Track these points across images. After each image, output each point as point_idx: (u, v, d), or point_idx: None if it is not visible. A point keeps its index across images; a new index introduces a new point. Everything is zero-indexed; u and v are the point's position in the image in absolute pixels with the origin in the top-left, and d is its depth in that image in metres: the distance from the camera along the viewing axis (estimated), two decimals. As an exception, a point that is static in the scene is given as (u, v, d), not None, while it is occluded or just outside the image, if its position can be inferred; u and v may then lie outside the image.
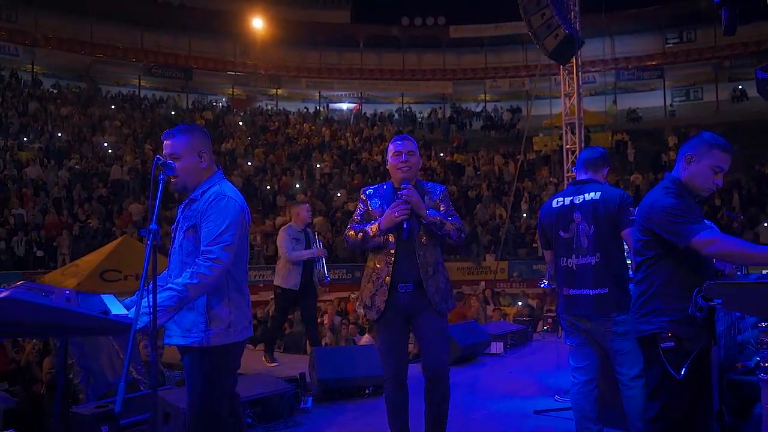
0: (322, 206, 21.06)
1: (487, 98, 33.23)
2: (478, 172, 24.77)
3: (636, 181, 21.70)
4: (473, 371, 5.70)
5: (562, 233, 3.20)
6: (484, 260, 19.47)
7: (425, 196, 3.10)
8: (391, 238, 3.02)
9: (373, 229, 3.02)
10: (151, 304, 2.07)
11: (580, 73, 9.80)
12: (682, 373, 2.27)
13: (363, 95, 33.54)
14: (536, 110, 30.13)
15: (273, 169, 23.59)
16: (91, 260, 9.74)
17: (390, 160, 3.16)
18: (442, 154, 26.48)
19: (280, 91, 32.97)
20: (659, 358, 2.37)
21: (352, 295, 12.56)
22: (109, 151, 21.87)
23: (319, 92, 33.08)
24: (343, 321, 9.73)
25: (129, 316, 2.24)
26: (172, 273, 2.53)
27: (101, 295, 2.34)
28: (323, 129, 28.37)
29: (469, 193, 22.58)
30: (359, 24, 32.84)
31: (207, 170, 2.59)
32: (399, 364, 3.08)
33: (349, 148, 26.55)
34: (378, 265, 3.06)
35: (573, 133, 9.97)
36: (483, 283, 15.12)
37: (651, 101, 29.86)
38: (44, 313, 1.89)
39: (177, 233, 2.56)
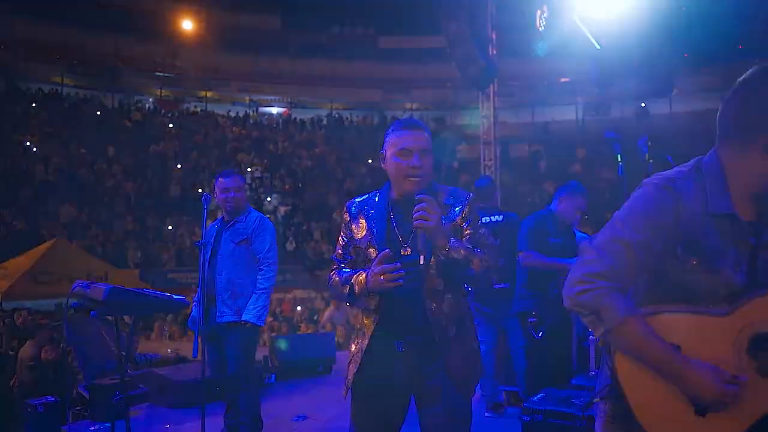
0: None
1: (414, 107, 34.62)
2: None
3: (549, 188, 23.57)
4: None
5: None
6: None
7: (444, 215, 2.07)
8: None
9: (359, 283, 2.04)
10: (260, 305, 3.31)
11: (496, 97, 11.09)
12: (540, 335, 3.41)
13: (293, 100, 34.14)
14: (460, 120, 31.92)
15: (203, 173, 23.85)
16: (21, 262, 9.97)
17: (391, 159, 2.11)
18: (370, 161, 27.53)
19: (209, 94, 33.02)
20: (527, 327, 3.52)
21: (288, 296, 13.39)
22: (34, 149, 21.52)
23: (249, 96, 33.36)
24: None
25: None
26: (223, 271, 3.50)
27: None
28: (253, 133, 28.79)
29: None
30: (290, 30, 33.41)
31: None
32: None
33: (279, 152, 27.11)
34: (365, 320, 2.14)
35: (489, 150, 11.27)
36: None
37: (564, 115, 32.15)
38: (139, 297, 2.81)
39: (223, 242, 3.47)
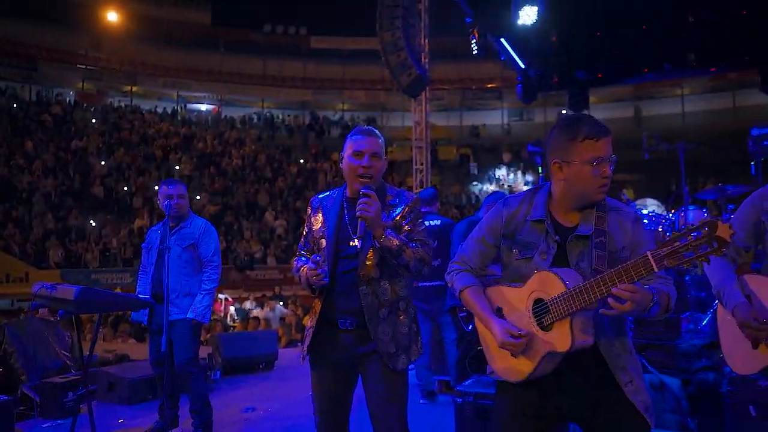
0: (183, 209, 21.30)
1: (345, 108, 34.92)
2: (336, 178, 26.27)
3: (475, 191, 24.49)
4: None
5: None
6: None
7: (387, 212, 2.39)
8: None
9: (302, 274, 2.36)
10: (205, 304, 3.55)
11: (427, 105, 11.60)
12: (470, 327, 3.83)
13: (223, 98, 33.67)
14: (391, 121, 32.51)
15: (129, 170, 23.20)
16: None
17: (347, 158, 2.42)
18: (302, 161, 27.62)
19: (134, 89, 32.06)
20: (459, 320, 3.94)
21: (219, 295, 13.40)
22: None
23: (177, 92, 32.63)
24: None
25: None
26: (171, 273, 3.71)
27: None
28: (181, 130, 28.21)
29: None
30: (221, 27, 32.94)
31: None
32: (331, 421, 2.47)
33: (208, 150, 26.69)
34: (314, 303, 2.46)
35: (421, 154, 11.75)
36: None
37: (491, 119, 33.36)
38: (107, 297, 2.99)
39: (173, 247, 3.68)
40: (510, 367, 1.86)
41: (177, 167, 24.35)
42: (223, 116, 32.58)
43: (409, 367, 2.44)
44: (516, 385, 1.88)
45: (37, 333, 4.98)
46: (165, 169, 23.92)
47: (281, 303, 13.88)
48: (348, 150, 2.40)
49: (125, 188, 21.87)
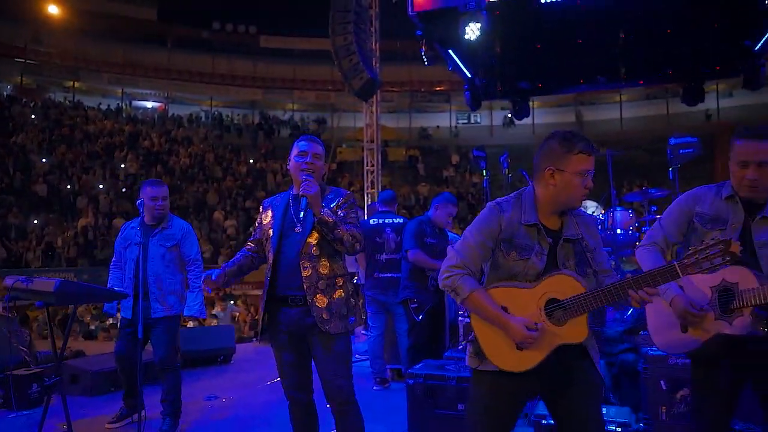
0: (129, 208, 20.94)
1: (295, 108, 34.91)
2: (286, 178, 26.30)
3: (423, 191, 24.97)
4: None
5: (377, 239, 5.03)
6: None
7: (324, 202, 2.82)
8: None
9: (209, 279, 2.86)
10: (199, 301, 3.89)
11: (378, 109, 11.93)
12: (420, 318, 4.20)
13: (169, 95, 33.11)
14: (341, 122, 32.70)
15: (72, 168, 22.62)
16: None
17: (293, 159, 2.86)
18: (251, 161, 27.50)
19: (77, 84, 31.16)
20: (410, 311, 4.29)
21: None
22: None
23: (122, 89, 31.91)
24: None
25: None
26: (155, 272, 3.93)
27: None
28: (126, 127, 27.62)
29: (278, 199, 23.98)
30: (168, 23, 32.39)
31: None
32: (295, 385, 2.84)
33: (155, 149, 26.25)
34: (267, 274, 2.82)
35: (372, 155, 12.08)
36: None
37: (439, 122, 34.02)
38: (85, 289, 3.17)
39: (151, 246, 3.90)
40: (518, 360, 2.05)
41: (122, 165, 23.89)
42: (170, 114, 32.05)
43: (363, 348, 2.77)
44: (500, 372, 2.10)
45: (-4, 330, 5.04)
46: (110, 168, 23.43)
47: (232, 302, 13.96)
48: (294, 152, 2.88)
49: (68, 186, 21.33)
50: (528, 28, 6.31)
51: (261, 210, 2.96)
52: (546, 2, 5.63)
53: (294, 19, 32.00)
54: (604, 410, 3.33)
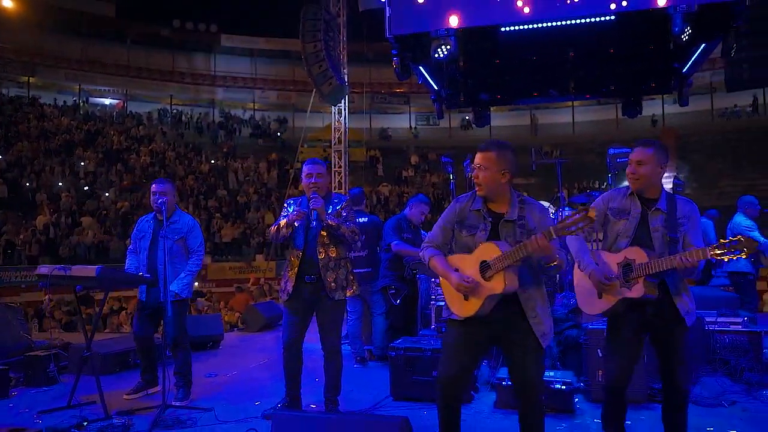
0: (91, 206, 20.92)
1: (256, 107, 35.08)
2: (247, 177, 26.54)
3: (383, 191, 25.63)
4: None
5: None
6: (254, 260, 21.31)
7: (331, 206, 3.89)
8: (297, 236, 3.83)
9: (282, 222, 3.84)
10: (186, 282, 4.33)
11: (346, 112, 12.53)
12: (398, 302, 4.89)
13: (128, 92, 32.84)
14: (301, 122, 33.04)
15: (31, 165, 22.37)
16: None
17: (304, 180, 3.90)
18: (213, 161, 27.59)
19: (33, 80, 30.60)
20: (389, 297, 4.97)
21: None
22: None
23: (80, 85, 31.50)
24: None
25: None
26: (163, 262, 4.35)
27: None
28: (85, 125, 27.33)
29: (239, 198, 24.26)
30: (128, 20, 32.10)
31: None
32: (293, 339, 3.85)
33: (114, 146, 26.07)
34: (293, 259, 3.86)
35: (339, 156, 12.67)
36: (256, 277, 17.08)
37: (399, 123, 34.78)
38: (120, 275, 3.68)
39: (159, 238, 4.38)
40: (463, 307, 2.79)
41: (82, 163, 23.74)
42: (128, 111, 31.81)
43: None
44: (461, 321, 2.81)
45: (1, 317, 5.46)
46: (69, 165, 23.27)
47: (201, 298, 14.30)
48: (303, 173, 3.97)
49: (27, 184, 21.13)
50: (488, 48, 7.05)
51: (286, 206, 4.04)
52: (504, 31, 6.36)
53: (255, 18, 32.21)
54: (551, 374, 4.07)
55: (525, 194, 3.00)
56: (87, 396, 4.21)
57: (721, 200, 18.18)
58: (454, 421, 2.86)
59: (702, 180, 23.39)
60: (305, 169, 3.91)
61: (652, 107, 28.07)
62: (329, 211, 3.84)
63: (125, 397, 4.44)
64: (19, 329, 5.54)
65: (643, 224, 2.98)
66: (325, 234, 3.81)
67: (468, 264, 2.78)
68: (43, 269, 3.89)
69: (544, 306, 2.82)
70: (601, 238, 3.24)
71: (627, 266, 2.91)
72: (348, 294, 3.94)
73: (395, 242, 5.30)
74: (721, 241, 2.67)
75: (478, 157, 2.82)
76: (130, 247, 4.66)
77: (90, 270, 3.68)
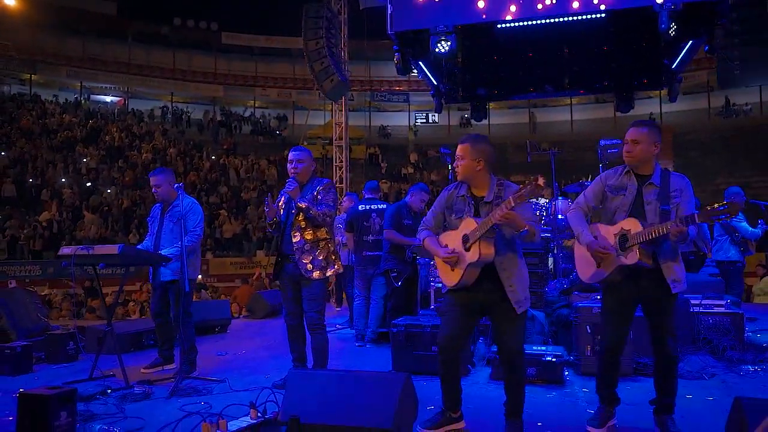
0: (94, 202, 21.16)
1: (256, 105, 35.31)
2: (248, 174, 26.80)
3: (384, 188, 25.90)
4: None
5: (365, 223, 6.00)
6: (255, 255, 21.55)
7: (311, 189, 4.13)
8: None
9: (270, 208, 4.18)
10: (172, 251, 4.52)
11: (347, 109, 12.79)
12: (399, 284, 5.18)
13: (130, 90, 33.08)
14: (301, 120, 33.31)
15: (34, 162, 22.60)
16: None
17: (288, 166, 4.22)
18: (213, 157, 27.83)
19: (34, 77, 30.84)
20: (390, 279, 5.26)
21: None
22: None
23: (81, 82, 31.74)
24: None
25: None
26: (165, 243, 4.69)
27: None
28: (87, 122, 27.58)
29: (242, 195, 24.53)
30: (129, 18, 32.33)
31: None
32: (291, 313, 4.21)
33: (116, 143, 26.32)
34: (276, 240, 4.23)
35: (341, 152, 12.94)
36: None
37: (398, 120, 35.01)
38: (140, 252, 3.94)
39: (165, 222, 4.71)
40: (449, 277, 3.22)
41: (84, 159, 23.98)
42: (129, 109, 32.05)
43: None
44: (454, 291, 3.23)
45: (20, 300, 5.73)
46: (71, 161, 23.50)
47: (205, 290, 14.59)
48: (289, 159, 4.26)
49: (31, 180, 21.37)
50: (486, 44, 7.32)
51: (278, 195, 4.36)
52: (501, 27, 6.63)
53: (255, 16, 32.44)
54: (543, 348, 4.34)
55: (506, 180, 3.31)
56: (106, 370, 4.47)
57: (716, 197, 18.44)
58: (454, 374, 3.26)
59: (698, 177, 23.69)
60: (289, 156, 4.22)
61: (649, 105, 28.33)
62: (307, 196, 4.08)
63: (143, 370, 4.71)
64: (36, 312, 5.80)
65: (638, 198, 3.21)
66: (300, 218, 4.07)
67: (453, 239, 3.20)
68: (66, 250, 4.15)
69: (520, 277, 3.17)
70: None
71: (623, 236, 3.13)
72: (329, 273, 4.16)
73: (387, 230, 5.67)
74: (707, 206, 2.90)
75: (458, 149, 3.25)
76: (149, 232, 4.97)
77: (112, 248, 3.96)
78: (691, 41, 6.60)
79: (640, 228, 3.08)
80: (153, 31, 32.93)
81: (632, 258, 3.09)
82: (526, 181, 2.83)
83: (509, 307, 3.09)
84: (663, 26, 5.72)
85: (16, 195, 20.29)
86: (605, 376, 3.35)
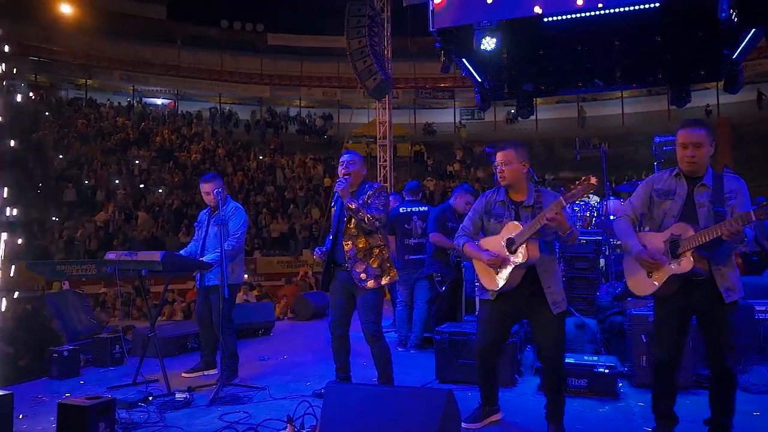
0: (147, 201, 21.72)
1: (302, 104, 35.61)
2: (294, 174, 27.01)
3: (429, 186, 25.65)
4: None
5: (406, 225, 5.88)
6: (301, 255, 21.69)
7: (362, 194, 3.95)
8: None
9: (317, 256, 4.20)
10: (212, 257, 4.50)
11: (391, 108, 12.67)
12: (443, 289, 5.04)
13: (179, 92, 33.86)
14: (346, 119, 33.37)
15: (90, 164, 23.36)
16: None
17: (338, 169, 4.09)
18: (261, 157, 28.18)
19: (89, 82, 31.92)
20: (434, 284, 5.11)
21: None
22: None
23: (133, 86, 32.67)
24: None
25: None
26: (209, 248, 4.72)
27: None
28: (140, 124, 28.36)
29: (286, 194, 24.73)
30: (177, 21, 33.10)
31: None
32: (337, 322, 4.00)
33: (166, 145, 26.96)
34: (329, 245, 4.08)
35: (384, 151, 12.85)
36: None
37: (444, 118, 34.69)
38: (182, 259, 3.95)
39: (210, 227, 4.71)
40: (492, 281, 3.27)
41: (137, 161, 24.64)
42: (179, 111, 32.80)
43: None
44: (492, 300, 3.33)
45: (70, 303, 5.84)
46: (124, 163, 24.18)
47: (252, 291, 14.76)
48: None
49: (86, 181, 22.07)
50: (532, 38, 7.06)
51: (332, 202, 4.30)
52: (548, 21, 6.37)
53: (300, 17, 32.67)
54: (595, 358, 4.12)
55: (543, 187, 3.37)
56: (149, 375, 4.49)
57: (777, 191, 17.53)
58: (491, 375, 3.47)
59: (759, 172, 22.57)
60: (340, 159, 4.15)
61: (706, 97, 27.15)
62: (358, 200, 3.91)
63: (184, 374, 4.73)
64: (86, 314, 5.91)
65: (689, 202, 2.99)
66: (352, 225, 3.92)
67: (495, 242, 3.26)
68: (111, 255, 4.19)
69: (556, 278, 3.29)
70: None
71: (673, 242, 2.91)
72: (383, 282, 3.94)
73: (433, 233, 5.53)
74: (765, 202, 2.66)
75: (500, 156, 3.29)
76: (194, 237, 5.02)
77: (154, 255, 3.97)
78: (753, 29, 6.20)
79: (691, 232, 2.85)
80: (201, 34, 33.61)
81: (686, 265, 2.85)
82: (578, 181, 2.85)
83: (547, 308, 3.18)
84: (723, 14, 5.37)
85: (76, 199, 20.97)
86: (659, 393, 3.12)
